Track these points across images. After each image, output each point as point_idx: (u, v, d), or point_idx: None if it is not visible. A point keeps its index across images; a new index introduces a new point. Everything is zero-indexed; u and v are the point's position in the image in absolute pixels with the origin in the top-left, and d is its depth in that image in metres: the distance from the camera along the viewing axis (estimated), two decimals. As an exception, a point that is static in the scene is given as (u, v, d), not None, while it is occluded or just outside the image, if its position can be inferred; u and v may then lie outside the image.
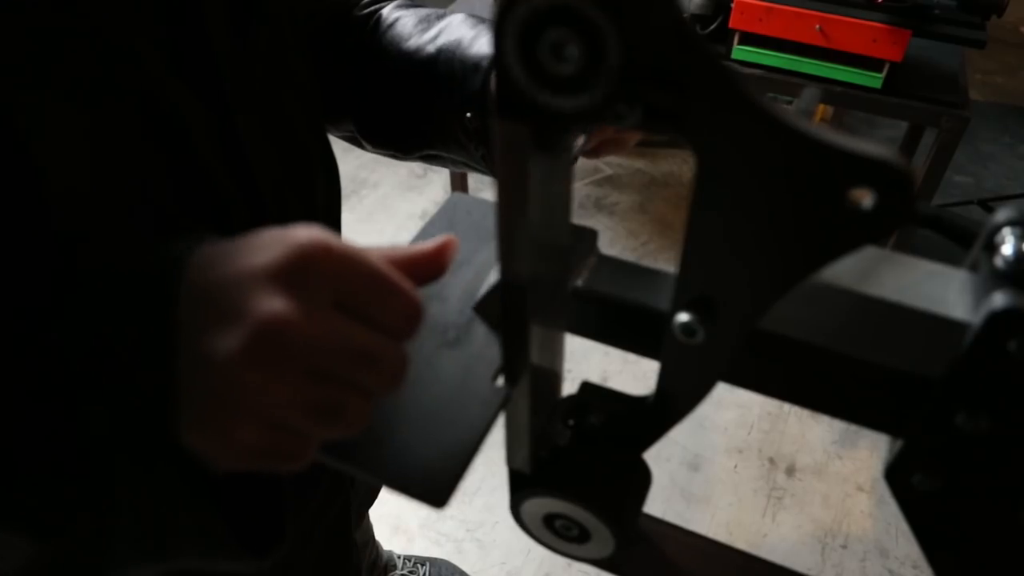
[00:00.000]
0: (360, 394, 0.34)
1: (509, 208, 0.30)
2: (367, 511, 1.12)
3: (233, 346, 0.31)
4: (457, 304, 0.42)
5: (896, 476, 0.36)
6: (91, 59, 0.40)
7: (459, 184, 2.52)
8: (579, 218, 2.72)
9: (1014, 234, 0.32)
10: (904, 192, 0.26)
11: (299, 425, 0.33)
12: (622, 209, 2.79)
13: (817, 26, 1.62)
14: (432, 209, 2.81)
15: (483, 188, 2.82)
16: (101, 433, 0.35)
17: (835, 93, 1.74)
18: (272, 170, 0.54)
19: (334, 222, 0.69)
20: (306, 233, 0.33)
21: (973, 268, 0.34)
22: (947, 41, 1.62)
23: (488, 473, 1.79)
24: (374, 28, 0.71)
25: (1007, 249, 0.32)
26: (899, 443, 0.36)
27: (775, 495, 1.86)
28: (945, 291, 0.34)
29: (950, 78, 1.75)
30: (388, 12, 0.73)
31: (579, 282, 0.39)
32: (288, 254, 0.32)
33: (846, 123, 3.24)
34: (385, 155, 0.75)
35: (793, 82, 1.76)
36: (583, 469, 0.42)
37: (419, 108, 0.68)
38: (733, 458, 1.93)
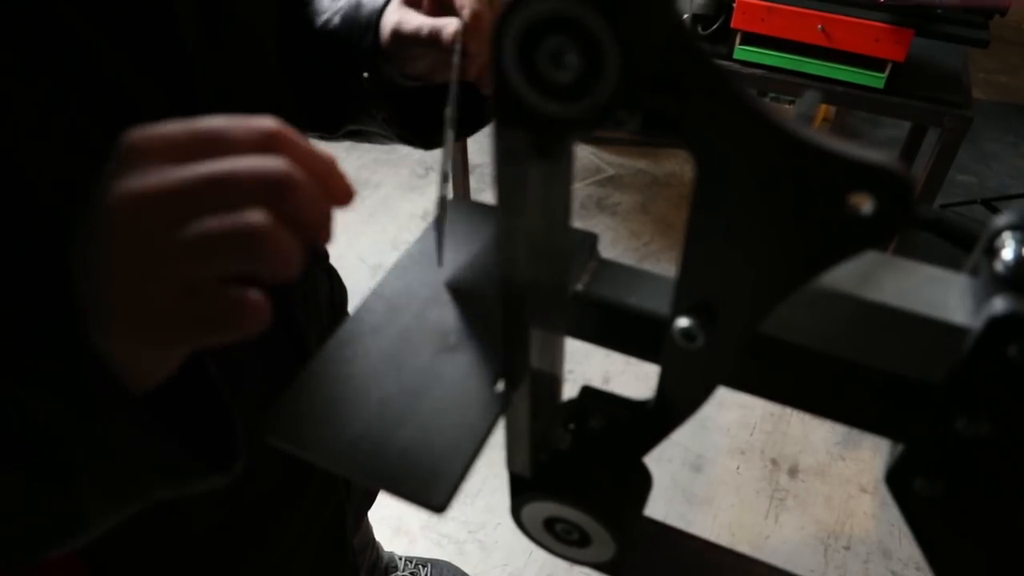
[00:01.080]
0: (244, 214, 0.32)
1: (509, 213, 0.30)
2: (365, 514, 1.12)
3: (103, 239, 0.32)
4: (457, 311, 0.42)
5: (897, 480, 0.36)
6: (53, 55, 0.41)
7: (461, 184, 2.52)
8: (581, 218, 2.73)
9: (1014, 238, 0.32)
10: (903, 198, 0.26)
11: (203, 267, 0.32)
12: (624, 209, 2.79)
13: (819, 26, 1.62)
14: (433, 209, 2.81)
15: (484, 188, 2.82)
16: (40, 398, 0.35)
17: (837, 93, 1.74)
18: None
19: None
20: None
21: (974, 272, 0.34)
22: (950, 41, 1.62)
23: (490, 474, 1.79)
24: (299, 8, 0.71)
25: (1007, 254, 0.32)
26: (900, 447, 0.36)
27: (778, 496, 1.86)
28: (945, 296, 0.34)
29: (953, 78, 1.75)
30: None
31: (579, 286, 0.39)
32: (116, 155, 0.33)
33: (849, 122, 3.23)
34: (315, 137, 0.74)
35: (795, 82, 1.76)
36: (583, 473, 0.42)
37: (331, 81, 0.67)
38: (735, 459, 1.93)
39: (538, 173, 0.28)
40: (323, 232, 0.34)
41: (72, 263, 0.34)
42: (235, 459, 0.40)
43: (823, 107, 2.98)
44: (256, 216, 0.31)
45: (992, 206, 2.75)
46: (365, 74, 0.63)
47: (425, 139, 0.69)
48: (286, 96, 0.67)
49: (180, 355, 0.36)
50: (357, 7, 0.64)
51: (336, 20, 0.66)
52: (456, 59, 0.53)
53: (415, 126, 0.68)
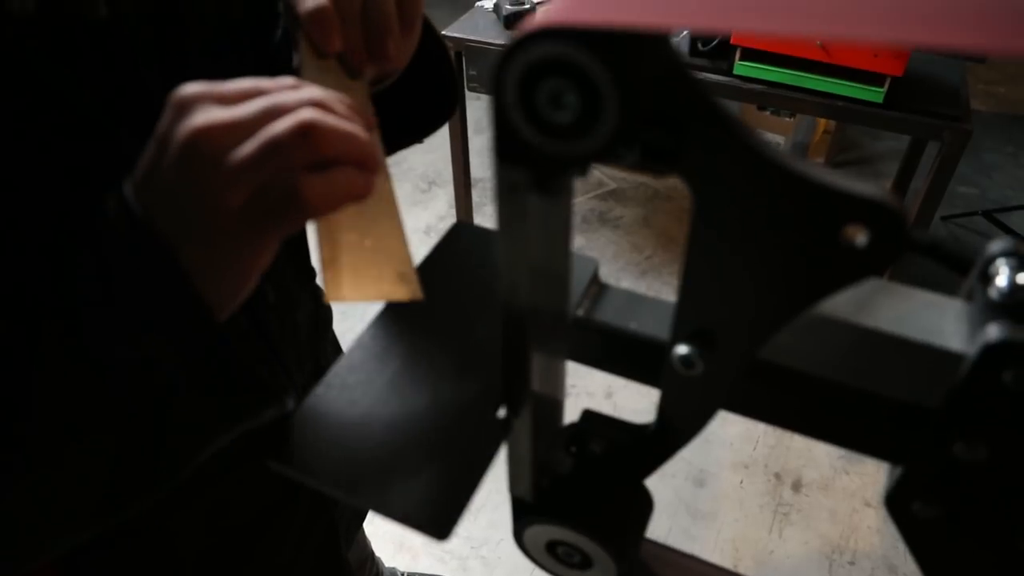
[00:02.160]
0: (299, 112, 0.38)
1: (510, 245, 0.30)
2: (359, 528, 1.12)
3: (179, 171, 0.38)
4: (461, 335, 0.43)
5: (896, 503, 0.37)
6: (19, 96, 0.42)
7: (463, 199, 2.52)
8: (583, 232, 2.74)
9: (1008, 265, 0.33)
10: (897, 229, 0.27)
11: (273, 165, 0.37)
12: (626, 223, 2.80)
13: (818, 41, 1.63)
14: (436, 223, 2.82)
15: (486, 203, 2.83)
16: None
17: (837, 108, 1.75)
18: None
19: (299, 237, 0.70)
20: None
21: (969, 298, 0.35)
22: (948, 55, 1.63)
23: (493, 490, 1.79)
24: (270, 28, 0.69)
25: (1001, 280, 0.32)
26: (899, 470, 0.36)
27: (781, 511, 1.86)
28: (941, 322, 0.34)
29: (951, 91, 1.76)
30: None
31: (580, 312, 0.40)
32: (166, 111, 0.39)
33: (849, 134, 3.24)
34: None
35: (795, 97, 1.76)
36: (585, 497, 0.42)
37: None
38: (739, 473, 1.93)
39: (538, 207, 0.29)
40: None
41: (146, 204, 0.39)
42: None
43: (823, 121, 3.00)
44: (307, 112, 0.38)
45: (994, 218, 2.75)
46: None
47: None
48: None
49: (262, 258, 0.41)
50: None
51: (279, 33, 0.64)
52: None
53: None
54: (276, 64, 0.63)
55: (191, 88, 0.38)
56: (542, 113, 0.25)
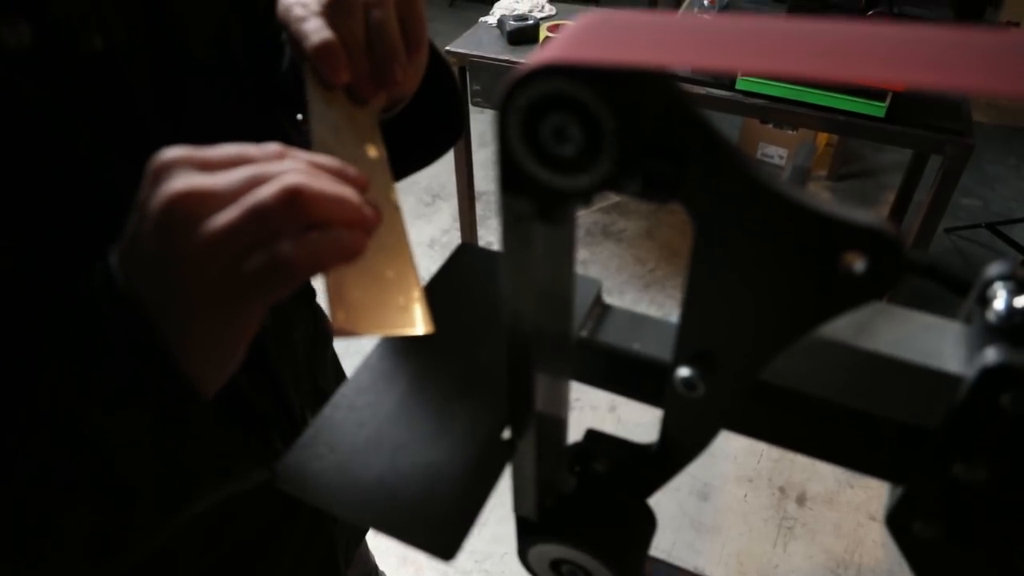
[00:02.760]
0: (284, 176, 0.37)
1: (514, 271, 0.31)
2: (358, 546, 1.12)
3: (158, 238, 0.37)
4: (466, 357, 0.43)
5: (897, 522, 0.37)
6: (15, 130, 0.42)
7: (467, 212, 2.54)
8: (587, 245, 2.75)
9: (1006, 288, 0.33)
10: (894, 256, 0.27)
11: (254, 235, 0.36)
12: (629, 236, 2.81)
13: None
14: (440, 236, 2.83)
15: (490, 216, 2.83)
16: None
17: (839, 122, 1.75)
18: None
19: None
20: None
21: (967, 320, 0.35)
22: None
23: (497, 503, 1.78)
24: (273, 56, 0.68)
25: (999, 304, 0.33)
26: (899, 490, 0.37)
27: (786, 524, 1.85)
28: (940, 344, 0.35)
29: (953, 105, 1.77)
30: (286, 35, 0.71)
31: (584, 333, 0.40)
32: (146, 177, 0.38)
33: (852, 146, 3.25)
34: None
35: (797, 112, 1.77)
36: (588, 516, 0.43)
37: (295, 128, 0.65)
38: (743, 487, 1.93)
39: (542, 234, 0.29)
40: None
41: (129, 274, 0.38)
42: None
43: (824, 135, 3.01)
44: (293, 176, 0.36)
45: (997, 230, 2.76)
46: (299, 116, 0.61)
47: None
48: (264, 134, 0.66)
49: (249, 327, 0.40)
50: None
51: (284, 66, 0.64)
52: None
53: None
54: (280, 93, 0.64)
55: (171, 153, 0.37)
56: (546, 146, 0.25)
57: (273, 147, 0.39)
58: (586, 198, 0.27)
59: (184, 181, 0.36)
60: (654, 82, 0.24)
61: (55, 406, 0.39)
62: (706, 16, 0.25)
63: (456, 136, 0.69)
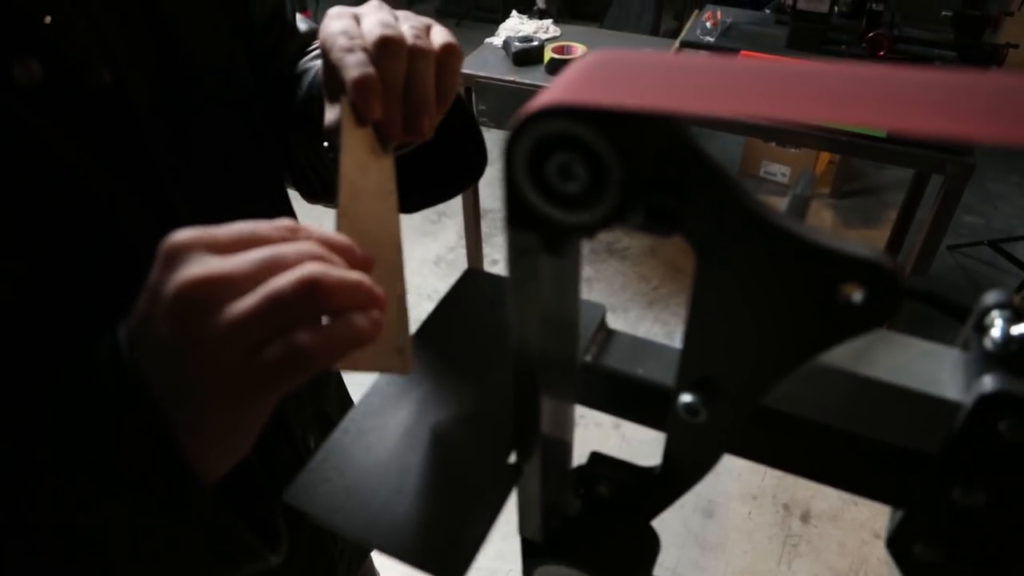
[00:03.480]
0: (303, 267, 0.36)
1: (520, 300, 0.32)
2: (359, 567, 1.12)
3: (170, 326, 0.35)
4: (473, 382, 0.44)
5: (898, 545, 0.37)
6: (30, 171, 0.42)
7: (473, 229, 2.55)
8: (591, 263, 2.75)
9: (1002, 317, 0.34)
10: (891, 287, 0.28)
11: (271, 324, 0.35)
12: (633, 253, 2.82)
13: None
14: (446, 254, 2.84)
15: (496, 233, 2.85)
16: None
17: (841, 142, 1.76)
18: None
19: None
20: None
21: (965, 347, 0.36)
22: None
23: (502, 520, 1.79)
24: (288, 83, 0.70)
25: (996, 332, 0.33)
26: (900, 514, 0.37)
27: (790, 542, 1.85)
28: (938, 371, 0.35)
29: (954, 125, 1.77)
30: (303, 64, 0.71)
31: (588, 358, 0.41)
32: (158, 260, 0.37)
33: (855, 165, 3.26)
34: (323, 205, 0.73)
35: (799, 131, 1.78)
36: (593, 538, 0.43)
37: (309, 153, 0.66)
38: (747, 504, 1.92)
39: (548, 266, 0.30)
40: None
41: (139, 357, 0.37)
42: (279, 538, 0.42)
43: (827, 155, 3.02)
44: (310, 267, 0.36)
45: (999, 247, 2.76)
46: (324, 144, 0.61)
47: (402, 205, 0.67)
48: (268, 178, 0.66)
49: (261, 416, 0.39)
50: (317, 75, 0.63)
51: (305, 89, 0.65)
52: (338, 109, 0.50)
53: None
54: (297, 118, 0.64)
55: (182, 236, 0.36)
56: (552, 184, 0.26)
57: (285, 224, 0.39)
58: (590, 232, 0.28)
59: (200, 267, 0.35)
60: (656, 122, 0.25)
61: (48, 484, 0.38)
62: (707, 57, 0.25)
63: (476, 176, 0.68)
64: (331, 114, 0.52)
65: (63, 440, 0.37)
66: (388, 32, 0.48)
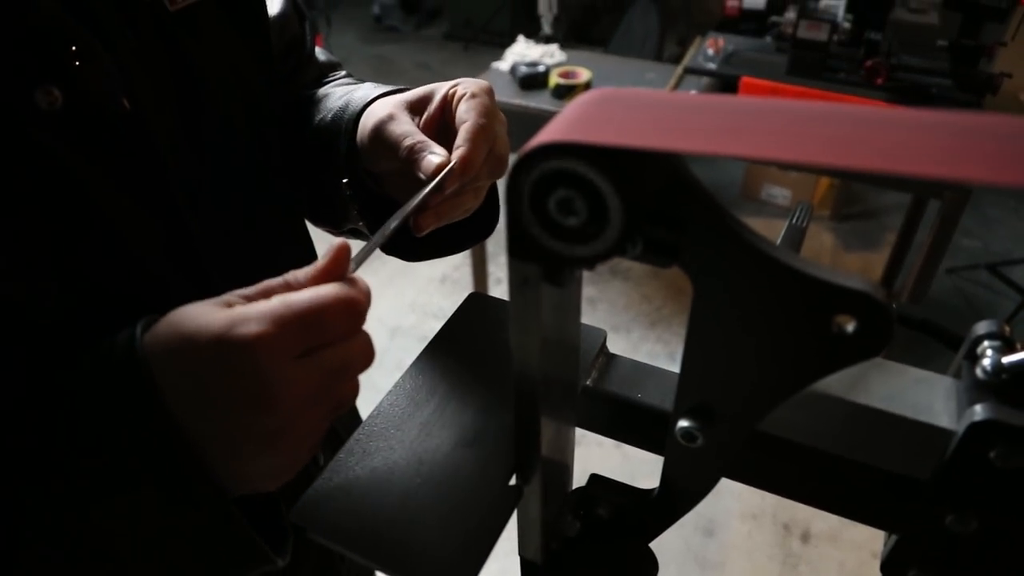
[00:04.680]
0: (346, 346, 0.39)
1: (522, 328, 0.32)
2: None
3: (237, 390, 0.37)
4: (475, 404, 0.45)
5: (891, 570, 0.38)
6: (39, 184, 0.43)
7: (477, 249, 2.55)
8: (594, 283, 2.76)
9: (993, 347, 0.35)
10: (883, 319, 0.29)
11: (329, 391, 0.39)
12: (637, 274, 2.83)
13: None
14: (452, 272, 2.85)
15: (500, 253, 2.86)
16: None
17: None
18: (227, 259, 0.55)
19: None
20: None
21: (957, 375, 0.37)
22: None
23: (503, 537, 1.78)
24: (305, 107, 0.70)
25: (987, 361, 0.34)
26: (894, 539, 0.38)
27: (790, 562, 1.84)
28: (931, 398, 0.36)
29: (952, 150, 1.79)
30: (324, 90, 0.72)
31: (588, 382, 0.42)
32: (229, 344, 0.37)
33: (854, 188, 3.28)
34: (325, 231, 0.74)
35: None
36: (592, 559, 0.44)
37: (325, 181, 0.67)
38: (747, 523, 1.92)
39: (549, 296, 0.31)
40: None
41: (147, 361, 0.38)
42: (285, 539, 0.44)
43: (826, 180, 3.04)
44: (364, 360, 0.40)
45: (997, 271, 2.77)
46: (344, 180, 0.62)
47: (405, 252, 0.68)
48: (283, 202, 0.67)
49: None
50: (344, 108, 0.63)
51: (328, 118, 0.65)
52: (421, 194, 0.52)
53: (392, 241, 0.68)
54: (319, 147, 0.65)
55: (265, 331, 0.36)
56: (553, 217, 0.27)
57: (345, 301, 0.39)
58: (591, 264, 0.28)
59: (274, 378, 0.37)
60: (654, 159, 0.26)
61: (55, 482, 0.38)
62: (707, 96, 0.26)
63: (486, 234, 0.70)
64: (401, 123, 0.56)
65: (71, 438, 0.38)
66: (479, 155, 0.53)
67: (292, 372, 0.37)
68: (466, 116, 0.54)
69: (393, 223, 0.47)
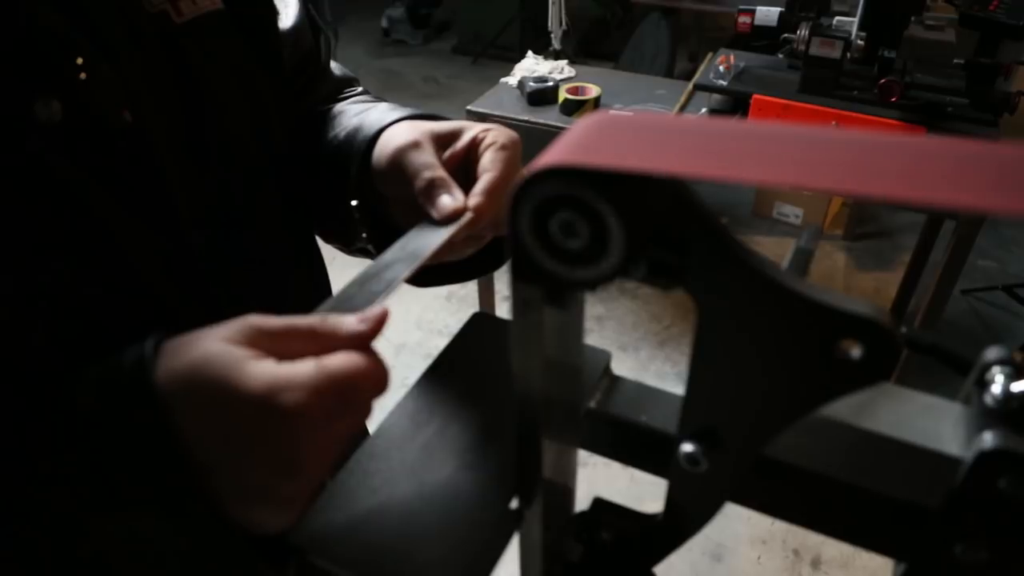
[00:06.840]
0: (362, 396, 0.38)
1: (524, 349, 0.32)
2: None
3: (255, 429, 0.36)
4: (477, 426, 0.44)
5: (900, 600, 0.37)
6: (41, 202, 0.43)
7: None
8: (601, 302, 2.75)
9: (1003, 373, 0.34)
10: (889, 344, 0.28)
11: (345, 419, 0.38)
12: (645, 293, 2.82)
13: (833, 123, 1.66)
14: (458, 290, 2.85)
15: (506, 270, 2.86)
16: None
17: (852, 185, 1.77)
18: (231, 277, 0.55)
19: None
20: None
21: (967, 401, 0.36)
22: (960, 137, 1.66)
23: (504, 561, 1.77)
24: (318, 123, 0.70)
25: (996, 388, 0.33)
26: (902, 567, 0.37)
27: (800, 589, 1.82)
28: (940, 426, 0.35)
29: (967, 171, 1.78)
30: (339, 107, 0.71)
31: (592, 404, 0.42)
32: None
33: (868, 207, 3.26)
34: (337, 248, 0.74)
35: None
36: (595, 585, 0.43)
37: (335, 201, 0.66)
38: (756, 549, 1.90)
39: (552, 317, 0.31)
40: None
41: (155, 372, 0.37)
42: (287, 563, 0.43)
43: (839, 200, 3.03)
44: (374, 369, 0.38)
45: (1014, 293, 2.75)
46: (353, 202, 0.61)
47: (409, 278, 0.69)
48: (289, 216, 0.67)
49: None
50: (358, 129, 0.63)
51: (341, 137, 0.65)
52: (436, 245, 0.51)
53: None
54: (328, 163, 0.65)
55: (300, 398, 0.36)
56: (555, 240, 0.27)
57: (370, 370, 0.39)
58: (593, 286, 0.28)
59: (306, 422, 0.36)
60: (657, 182, 0.26)
61: (54, 493, 0.38)
62: (711, 120, 0.26)
63: (492, 270, 0.69)
64: (421, 155, 0.55)
65: (71, 454, 0.38)
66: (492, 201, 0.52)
67: (322, 441, 0.37)
68: (490, 167, 0.53)
69: (404, 272, 0.47)
